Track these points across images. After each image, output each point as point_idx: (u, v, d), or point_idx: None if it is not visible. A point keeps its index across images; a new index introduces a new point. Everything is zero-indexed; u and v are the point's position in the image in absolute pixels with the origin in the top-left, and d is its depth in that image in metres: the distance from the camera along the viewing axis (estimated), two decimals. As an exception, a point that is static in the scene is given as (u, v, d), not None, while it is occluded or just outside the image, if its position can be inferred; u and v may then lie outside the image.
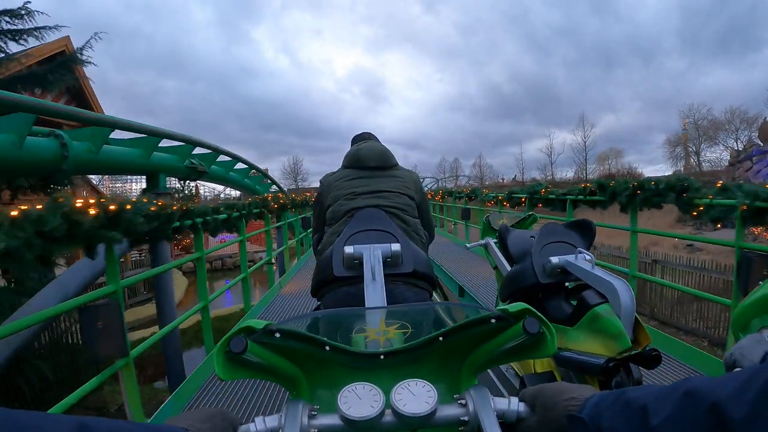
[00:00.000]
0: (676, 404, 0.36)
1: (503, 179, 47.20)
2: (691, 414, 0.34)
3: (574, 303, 1.33)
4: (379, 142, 1.57)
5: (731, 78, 54.46)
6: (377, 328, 0.65)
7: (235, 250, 19.13)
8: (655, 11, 67.37)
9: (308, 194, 10.65)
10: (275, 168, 50.82)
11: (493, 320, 0.53)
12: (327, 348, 0.53)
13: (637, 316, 1.21)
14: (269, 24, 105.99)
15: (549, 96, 65.08)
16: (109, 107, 71.56)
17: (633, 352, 1.14)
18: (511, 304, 0.53)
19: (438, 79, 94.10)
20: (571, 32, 67.78)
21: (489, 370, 1.48)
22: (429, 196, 10.34)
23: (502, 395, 0.51)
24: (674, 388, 0.37)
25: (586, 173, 42.11)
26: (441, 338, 0.54)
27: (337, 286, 1.06)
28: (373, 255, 1.02)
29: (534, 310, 0.52)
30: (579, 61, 65.69)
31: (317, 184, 1.51)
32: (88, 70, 6.84)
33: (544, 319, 0.51)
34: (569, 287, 1.44)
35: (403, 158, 56.98)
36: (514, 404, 0.50)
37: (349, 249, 1.05)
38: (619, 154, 43.10)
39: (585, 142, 43.01)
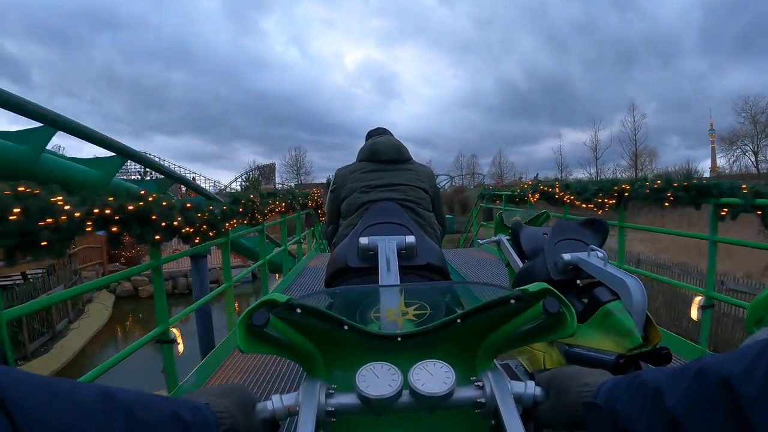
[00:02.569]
0: (689, 383, 0.41)
1: (521, 177, 49.24)
2: (704, 392, 0.40)
3: (586, 300, 1.53)
4: (394, 136, 1.81)
5: (755, 79, 58.28)
6: (396, 309, 0.75)
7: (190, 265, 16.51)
8: (677, 8, 73.14)
9: (315, 191, 10.40)
10: (280, 163, 53.18)
11: (512, 301, 0.61)
12: (345, 327, 0.61)
13: (649, 314, 1.40)
14: (279, 14, 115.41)
15: (566, 94, 70.90)
16: (117, 101, 71.53)
17: (643, 350, 1.31)
18: (531, 285, 0.60)
19: (451, 75, 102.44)
20: (591, 28, 73.64)
21: (498, 365, 1.35)
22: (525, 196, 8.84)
23: None
24: (687, 368, 0.43)
25: (636, 170, 41.81)
26: (459, 320, 0.62)
27: (351, 277, 1.23)
28: (387, 246, 1.16)
29: (553, 289, 0.59)
30: (598, 58, 71.60)
31: (323, 180, 2.23)
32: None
33: (564, 298, 0.58)
34: (581, 284, 1.65)
35: (414, 156, 59.04)
36: (530, 388, 0.59)
37: (364, 240, 1.19)
38: (653, 153, 44.20)
39: (636, 132, 42.63)
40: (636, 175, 39.04)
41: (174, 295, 16.84)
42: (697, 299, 3.48)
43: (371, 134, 1.87)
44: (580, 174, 45.24)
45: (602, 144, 45.36)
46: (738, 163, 38.07)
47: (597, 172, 44.15)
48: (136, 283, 16.35)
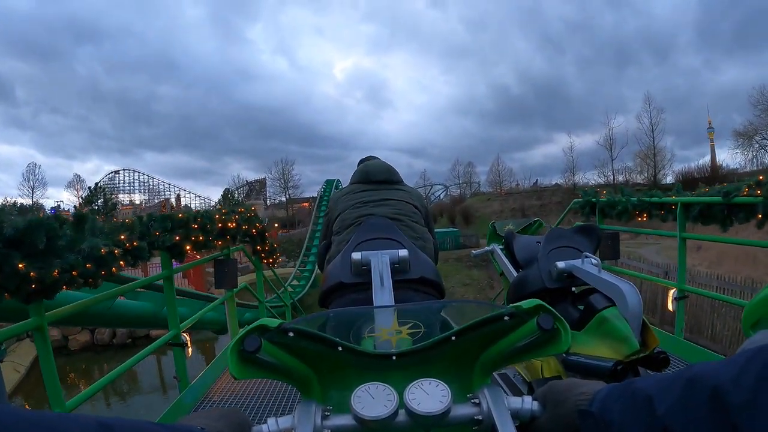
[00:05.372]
0: (680, 392, 0.43)
1: (518, 184, 49.63)
2: (694, 400, 0.41)
3: (581, 307, 1.63)
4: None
5: (750, 75, 58.85)
6: (389, 328, 0.76)
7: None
8: (672, 4, 76.42)
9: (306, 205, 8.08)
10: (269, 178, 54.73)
11: (506, 318, 0.63)
12: (340, 348, 0.64)
13: (645, 319, 1.49)
14: (265, 22, 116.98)
15: (562, 98, 71.90)
16: (104, 116, 71.07)
17: (641, 355, 1.39)
18: (524, 301, 0.64)
19: (444, 81, 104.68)
20: (585, 27, 75.07)
21: (497, 376, 1.64)
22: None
23: None
24: (678, 376, 0.45)
25: (655, 171, 40.10)
26: (453, 338, 0.65)
27: (345, 293, 1.30)
28: (380, 261, 1.22)
29: (547, 306, 0.62)
30: (593, 59, 73.28)
31: (314, 194, 2.47)
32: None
33: (558, 314, 0.62)
34: (576, 292, 1.74)
35: (407, 167, 62.07)
36: (527, 403, 0.61)
37: (356, 255, 1.26)
38: (659, 152, 42.62)
39: (653, 129, 41.18)
40: (655, 177, 38.77)
41: (111, 347, 13.30)
42: None
43: (363, 160, 2.03)
44: (595, 177, 43.97)
45: (604, 145, 44.19)
46: (756, 159, 37.87)
47: (613, 174, 43.10)
48: (65, 331, 12.94)
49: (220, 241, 4.01)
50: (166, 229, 3.01)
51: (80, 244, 2.08)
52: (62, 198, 50.96)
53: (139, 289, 6.70)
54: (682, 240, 3.69)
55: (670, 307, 3.71)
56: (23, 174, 45.78)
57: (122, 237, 2.47)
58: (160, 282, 3.41)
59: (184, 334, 3.40)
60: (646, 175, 41.20)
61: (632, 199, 4.24)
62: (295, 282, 20.96)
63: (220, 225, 3.89)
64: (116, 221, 2.77)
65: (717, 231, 3.60)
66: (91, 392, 2.37)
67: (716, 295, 6.12)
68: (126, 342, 13.84)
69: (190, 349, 3.53)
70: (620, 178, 41.78)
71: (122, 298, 7.46)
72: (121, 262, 2.41)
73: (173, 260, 3.31)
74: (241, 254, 5.18)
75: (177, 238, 3.04)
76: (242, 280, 5.30)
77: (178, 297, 7.97)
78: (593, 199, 4.67)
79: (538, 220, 2.84)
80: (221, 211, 4.20)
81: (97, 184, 41.49)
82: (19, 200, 44.33)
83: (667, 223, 4.05)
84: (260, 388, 3.26)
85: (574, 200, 5.08)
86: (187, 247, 3.29)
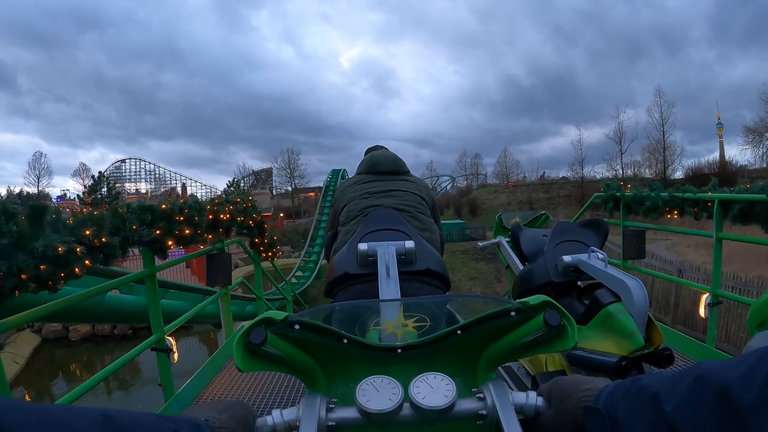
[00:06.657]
0: (687, 389, 0.43)
1: (525, 177, 49.97)
2: (702, 398, 0.41)
3: (587, 302, 1.62)
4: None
5: (762, 71, 61.13)
6: (395, 321, 0.77)
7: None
8: None
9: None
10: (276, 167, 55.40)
11: (512, 313, 0.63)
12: (345, 341, 0.64)
13: (650, 315, 1.48)
14: (271, 9, 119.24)
15: (572, 89, 73.90)
16: (108, 104, 71.03)
17: (646, 351, 1.38)
18: (531, 297, 0.64)
19: (452, 71, 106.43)
20: (597, 18, 76.64)
21: (500, 369, 1.66)
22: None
23: None
24: (685, 373, 0.45)
25: (665, 165, 38.78)
26: (459, 332, 0.65)
27: (351, 283, 1.30)
28: (387, 252, 1.23)
29: (555, 302, 0.62)
30: (605, 51, 74.73)
31: (320, 184, 2.33)
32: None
33: (565, 311, 0.61)
34: (582, 286, 1.75)
35: (414, 157, 63.33)
36: (532, 398, 0.62)
37: (363, 246, 1.26)
38: (668, 147, 42.83)
39: (663, 124, 40.85)
40: (664, 171, 38.41)
41: (113, 338, 13.11)
42: None
43: (369, 150, 2.02)
44: (603, 171, 43.87)
45: (614, 138, 43.95)
46: (766, 156, 37.68)
47: (622, 168, 42.81)
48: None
49: (211, 235, 3.68)
50: (145, 222, 2.65)
51: (32, 242, 1.75)
52: (68, 187, 51.63)
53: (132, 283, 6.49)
54: (718, 241, 3.31)
55: (702, 313, 3.45)
56: (29, 163, 47.07)
57: (88, 233, 2.08)
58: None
59: (170, 338, 3.12)
60: (654, 169, 41.17)
61: (662, 194, 3.78)
62: (299, 273, 20.99)
63: (211, 216, 3.54)
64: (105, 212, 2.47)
65: (728, 229, 3.45)
66: (72, 398, 2.13)
67: (748, 300, 5.64)
68: (127, 333, 13.72)
69: (176, 354, 3.26)
70: (629, 173, 41.85)
71: (117, 292, 7.29)
72: (87, 261, 2.02)
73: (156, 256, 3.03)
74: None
75: (158, 232, 2.71)
76: (245, 271, 5.00)
77: (176, 290, 7.75)
78: (617, 194, 4.25)
79: (545, 213, 2.85)
80: (213, 201, 3.84)
81: (101, 172, 41.55)
82: (25, 189, 44.89)
83: (677, 220, 3.90)
84: (260, 385, 3.12)
85: (596, 194, 4.67)
86: (170, 243, 2.94)
